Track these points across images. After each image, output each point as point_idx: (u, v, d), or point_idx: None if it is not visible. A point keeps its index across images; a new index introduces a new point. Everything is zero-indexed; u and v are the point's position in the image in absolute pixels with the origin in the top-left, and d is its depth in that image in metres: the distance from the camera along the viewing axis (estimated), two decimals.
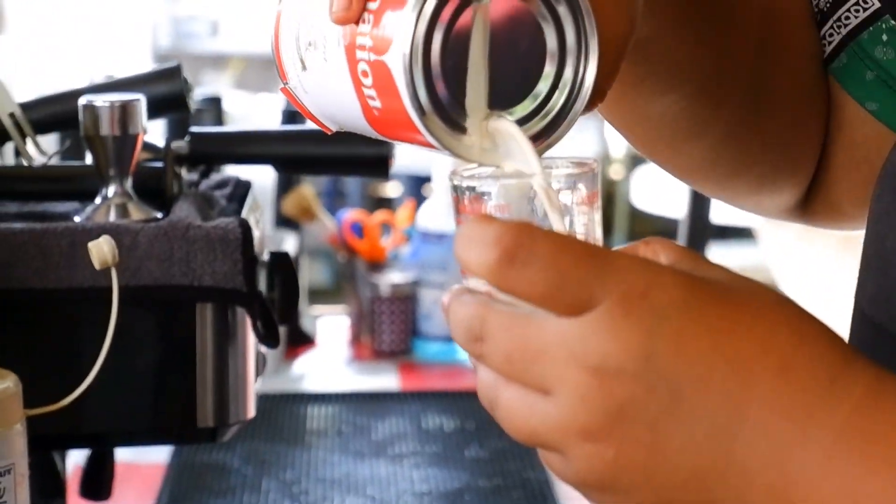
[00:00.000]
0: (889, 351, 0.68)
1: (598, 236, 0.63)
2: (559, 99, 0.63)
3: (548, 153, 0.64)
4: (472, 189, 0.61)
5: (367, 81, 0.63)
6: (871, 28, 0.80)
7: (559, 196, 0.61)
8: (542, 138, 0.63)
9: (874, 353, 0.70)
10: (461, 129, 0.61)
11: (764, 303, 0.56)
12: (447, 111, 0.61)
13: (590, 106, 0.65)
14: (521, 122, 0.62)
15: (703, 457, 0.55)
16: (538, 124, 0.63)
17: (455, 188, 0.62)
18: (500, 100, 0.62)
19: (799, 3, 0.84)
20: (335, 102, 0.67)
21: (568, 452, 0.56)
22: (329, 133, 0.72)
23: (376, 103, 0.63)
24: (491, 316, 0.56)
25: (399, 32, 0.60)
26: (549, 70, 0.62)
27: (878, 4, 0.80)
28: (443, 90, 0.60)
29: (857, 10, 0.81)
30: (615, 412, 0.54)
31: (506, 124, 0.61)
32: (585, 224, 0.62)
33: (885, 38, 0.80)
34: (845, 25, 0.81)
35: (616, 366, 0.54)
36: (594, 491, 0.57)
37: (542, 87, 0.62)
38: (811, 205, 0.90)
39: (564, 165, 0.63)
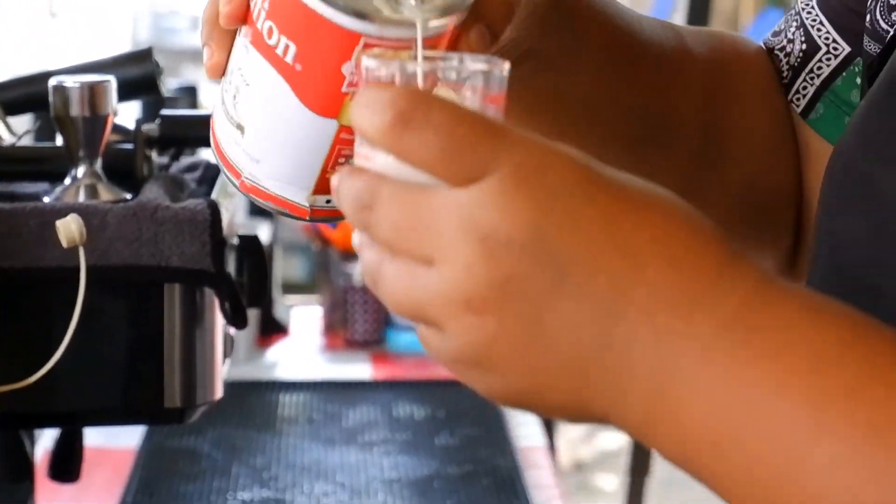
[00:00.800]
0: None
1: None
2: None
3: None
4: (377, 67, 0.59)
5: (274, 39, 0.63)
6: (844, 73, 0.80)
7: (470, 92, 0.59)
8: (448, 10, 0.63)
9: None
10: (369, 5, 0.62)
11: (657, 197, 0.56)
12: None
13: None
14: None
15: (583, 339, 0.54)
16: None
17: (364, 69, 0.60)
18: None
19: (756, 62, 0.84)
20: (272, 115, 0.66)
21: (447, 325, 0.55)
22: (305, 218, 0.70)
23: (292, 51, 0.63)
24: (381, 186, 0.55)
25: None
26: None
27: (848, 49, 0.80)
28: None
29: (829, 59, 0.81)
30: (500, 284, 0.54)
31: None
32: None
33: (858, 81, 0.80)
34: (818, 76, 0.81)
35: (505, 237, 0.53)
36: (468, 367, 0.56)
37: None
38: (800, 267, 0.87)
39: (476, 59, 0.60)
